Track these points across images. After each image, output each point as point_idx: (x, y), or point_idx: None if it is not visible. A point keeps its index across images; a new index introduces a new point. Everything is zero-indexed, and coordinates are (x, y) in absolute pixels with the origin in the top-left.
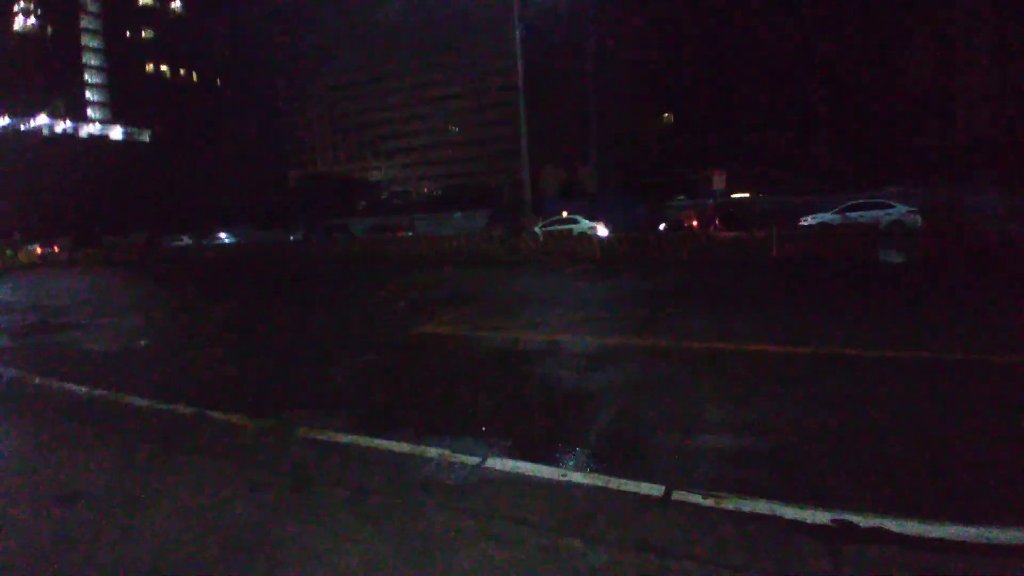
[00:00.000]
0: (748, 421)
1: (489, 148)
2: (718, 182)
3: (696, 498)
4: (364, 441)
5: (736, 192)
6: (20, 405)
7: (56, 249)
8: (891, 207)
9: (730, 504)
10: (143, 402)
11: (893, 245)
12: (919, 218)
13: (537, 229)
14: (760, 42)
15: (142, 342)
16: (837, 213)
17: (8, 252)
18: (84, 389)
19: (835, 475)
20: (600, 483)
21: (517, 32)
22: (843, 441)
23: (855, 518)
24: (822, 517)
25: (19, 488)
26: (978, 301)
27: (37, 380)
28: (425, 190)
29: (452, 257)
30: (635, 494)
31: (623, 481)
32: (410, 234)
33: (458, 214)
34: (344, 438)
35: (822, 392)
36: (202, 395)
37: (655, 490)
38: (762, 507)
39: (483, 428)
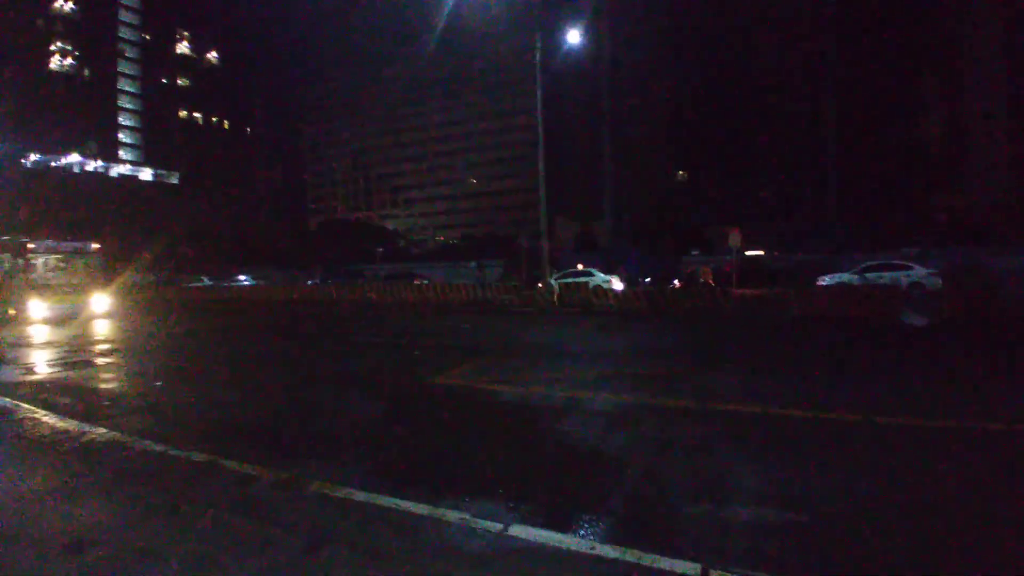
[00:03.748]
0: (781, 491)
1: (505, 199)
2: (734, 239)
3: None
4: (380, 500)
5: (750, 249)
6: (33, 446)
7: None
8: (910, 268)
9: None
10: (157, 447)
11: (915, 307)
12: (939, 280)
13: (552, 281)
14: (774, 101)
15: (158, 383)
16: (855, 273)
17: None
18: (99, 431)
19: (875, 553)
20: (632, 559)
21: (538, 91)
22: (881, 515)
23: None
24: None
25: (27, 534)
26: (1009, 365)
27: (51, 420)
28: (440, 239)
29: (467, 306)
30: (670, 572)
31: (656, 557)
32: (426, 282)
33: (473, 263)
34: (360, 495)
35: (855, 461)
36: (215, 440)
37: (691, 569)
38: None
39: (501, 491)
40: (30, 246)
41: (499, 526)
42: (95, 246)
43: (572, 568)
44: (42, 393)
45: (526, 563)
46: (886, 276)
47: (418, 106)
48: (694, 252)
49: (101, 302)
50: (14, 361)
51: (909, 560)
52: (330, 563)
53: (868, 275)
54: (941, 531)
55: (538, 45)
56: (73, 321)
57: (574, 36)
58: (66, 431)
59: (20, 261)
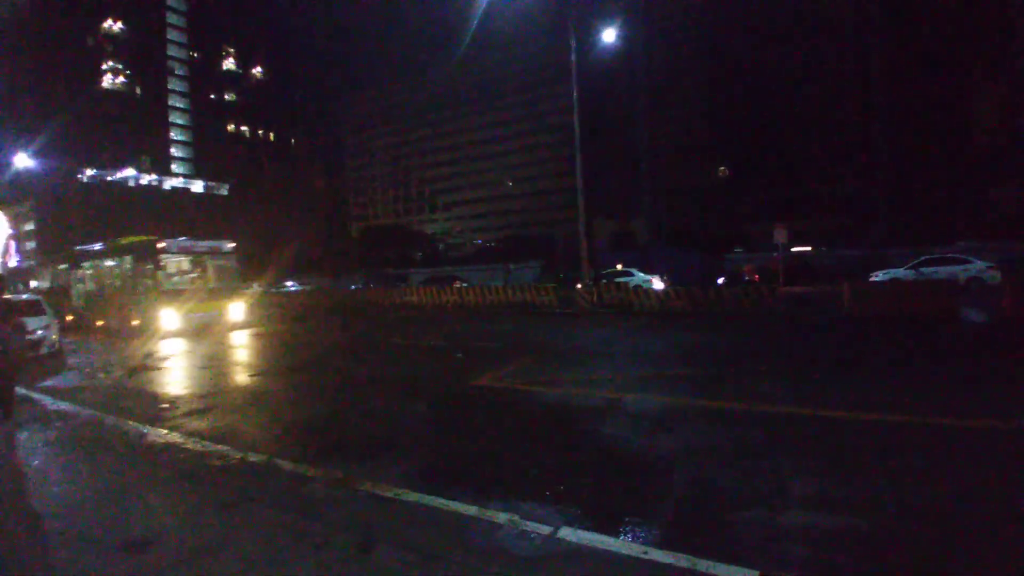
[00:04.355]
0: (837, 496)
1: (542, 200)
2: (779, 236)
3: None
4: (430, 500)
5: (796, 246)
6: (94, 446)
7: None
8: (968, 262)
9: None
10: (215, 447)
11: (974, 302)
12: (999, 274)
13: (591, 282)
14: (819, 94)
15: (208, 388)
16: (910, 268)
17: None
18: (158, 432)
19: (938, 559)
20: (686, 564)
21: (574, 91)
22: (942, 521)
23: None
24: None
25: (88, 532)
26: None
27: (110, 420)
28: (479, 241)
29: (506, 308)
30: None
31: (712, 563)
32: (465, 285)
33: (512, 265)
34: (410, 496)
35: (915, 465)
36: (268, 441)
37: (749, 575)
38: None
39: (548, 493)
40: (161, 245)
41: (548, 528)
42: (230, 244)
43: (624, 572)
44: (99, 394)
45: (577, 566)
46: (942, 271)
47: (454, 110)
48: (737, 250)
49: (238, 310)
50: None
51: (968, 566)
52: (383, 562)
53: (924, 270)
54: (1002, 537)
55: (573, 44)
56: (210, 333)
57: (609, 34)
58: (122, 429)
59: (148, 264)
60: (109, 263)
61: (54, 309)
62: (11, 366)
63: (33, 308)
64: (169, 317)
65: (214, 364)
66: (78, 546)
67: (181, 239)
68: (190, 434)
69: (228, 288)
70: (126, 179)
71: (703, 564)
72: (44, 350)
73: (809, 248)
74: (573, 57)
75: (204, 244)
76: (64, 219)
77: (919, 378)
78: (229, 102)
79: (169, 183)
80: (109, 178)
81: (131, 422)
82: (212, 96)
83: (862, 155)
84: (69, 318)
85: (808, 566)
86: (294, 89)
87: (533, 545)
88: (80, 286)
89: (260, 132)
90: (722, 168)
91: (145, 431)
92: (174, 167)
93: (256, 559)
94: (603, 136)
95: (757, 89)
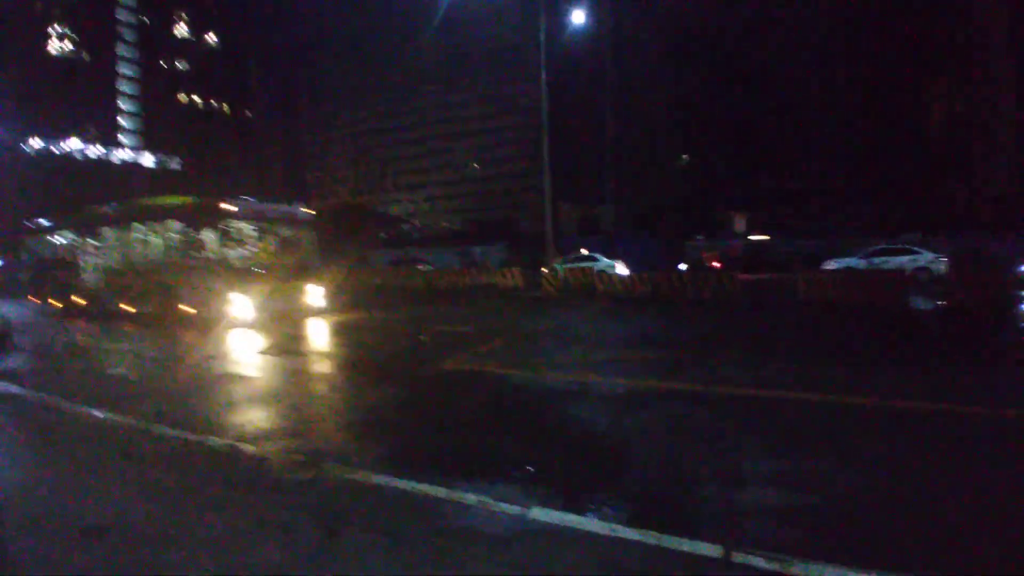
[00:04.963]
0: (797, 475)
1: (508, 183)
2: (739, 224)
3: (759, 561)
4: (398, 483)
5: (755, 234)
6: (46, 430)
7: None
8: (918, 253)
9: (796, 569)
10: (173, 432)
11: (921, 291)
12: (944, 265)
13: (558, 266)
14: (781, 84)
15: (166, 370)
16: (862, 258)
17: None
18: (111, 416)
19: (899, 537)
20: (652, 541)
21: (542, 73)
22: (901, 499)
23: None
24: None
25: (45, 519)
26: (1020, 349)
27: (63, 404)
28: (444, 224)
29: (472, 291)
30: (692, 554)
31: (677, 539)
32: (430, 267)
33: (477, 248)
34: (377, 479)
35: (870, 445)
36: (231, 425)
37: (713, 551)
38: (831, 573)
39: (517, 473)
40: (225, 206)
41: (518, 508)
42: (307, 211)
43: (594, 549)
44: (49, 377)
45: (548, 544)
46: (892, 261)
47: (419, 89)
48: (699, 237)
49: (316, 293)
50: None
51: (920, 541)
52: (351, 546)
53: (874, 260)
54: (950, 514)
55: (543, 25)
56: (289, 324)
57: (578, 16)
58: (76, 413)
59: (208, 232)
60: (143, 230)
61: (58, 288)
62: None
63: None
64: (239, 303)
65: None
66: (33, 532)
67: (249, 199)
68: (146, 418)
69: (305, 265)
70: (73, 152)
71: (669, 540)
72: None
73: (767, 237)
74: (542, 37)
75: (278, 208)
76: (10, 190)
77: (869, 362)
78: (181, 71)
79: (118, 155)
80: (56, 151)
81: (83, 406)
82: (163, 64)
83: (823, 148)
84: (78, 300)
85: (767, 541)
86: (249, 59)
87: (503, 525)
88: (94, 260)
89: (214, 103)
90: (683, 156)
91: (101, 416)
92: (122, 138)
93: (221, 544)
94: (570, 120)
95: (724, 78)
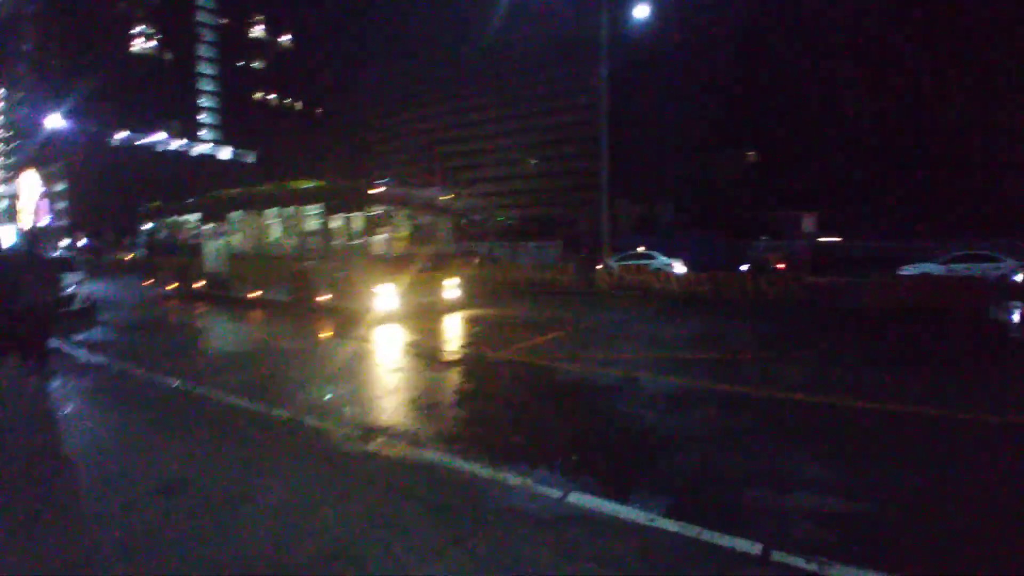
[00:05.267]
0: (844, 481)
1: (566, 180)
2: (808, 224)
3: (798, 561)
4: (447, 461)
5: (825, 235)
6: (133, 397)
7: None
8: (1000, 261)
9: (835, 571)
10: (244, 403)
11: (1005, 301)
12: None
13: (613, 263)
14: (858, 81)
15: (233, 347)
16: (942, 263)
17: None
18: (189, 385)
19: (946, 547)
20: (691, 533)
21: (602, 67)
22: (947, 510)
23: None
24: None
25: (129, 477)
26: None
27: (143, 373)
28: (501, 219)
29: (527, 286)
30: (731, 550)
31: (717, 534)
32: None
33: (533, 244)
34: (428, 455)
35: (926, 456)
36: (299, 402)
37: (752, 548)
38: None
39: (561, 461)
40: (375, 190)
41: (558, 492)
42: (447, 195)
43: (631, 537)
44: (131, 349)
45: (585, 528)
46: (973, 268)
47: (478, 86)
48: (763, 237)
49: (453, 285)
50: None
51: (969, 554)
52: (400, 513)
53: (955, 266)
54: (1002, 528)
55: (603, 20)
56: (429, 318)
57: (641, 11)
58: (156, 382)
59: (352, 217)
60: (275, 215)
61: (174, 271)
62: (44, 319)
63: (65, 265)
64: (384, 295)
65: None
66: (115, 489)
67: (392, 183)
68: (226, 390)
69: (443, 254)
70: (154, 144)
71: (708, 534)
72: (76, 305)
73: (838, 238)
74: (603, 32)
75: (420, 192)
76: (95, 181)
77: (940, 372)
78: (257, 70)
79: (197, 149)
80: (137, 142)
81: (159, 375)
82: (240, 63)
83: (898, 147)
84: (198, 284)
85: (810, 542)
86: (320, 59)
87: (543, 507)
88: (215, 245)
89: (286, 101)
90: (751, 152)
91: (178, 383)
92: (202, 134)
93: (284, 506)
94: (630, 116)
95: (791, 73)
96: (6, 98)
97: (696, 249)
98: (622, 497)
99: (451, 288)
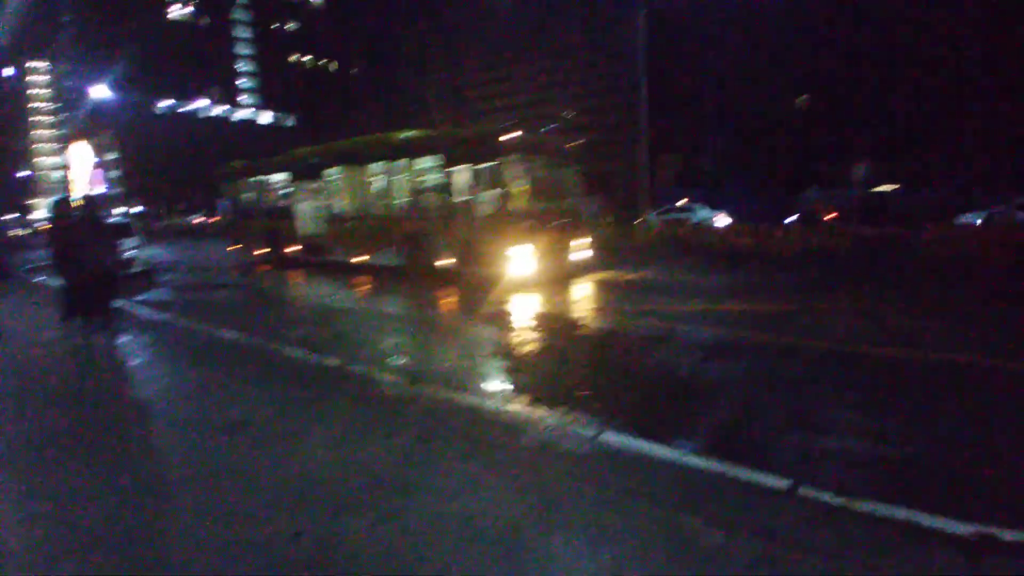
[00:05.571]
0: (879, 427)
1: (604, 134)
2: (859, 172)
3: (825, 496)
4: (484, 403)
5: (879, 185)
6: (192, 348)
7: (212, 220)
8: None
9: (862, 506)
10: (295, 352)
11: None
12: None
13: (653, 216)
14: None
15: (287, 306)
16: (1006, 210)
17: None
18: (244, 337)
19: (977, 489)
20: (719, 469)
21: (640, 14)
22: (982, 457)
23: (999, 532)
24: (963, 528)
25: (194, 418)
26: None
27: (202, 328)
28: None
29: None
30: (758, 484)
31: (745, 470)
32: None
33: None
34: (467, 399)
35: (965, 403)
36: (344, 351)
37: (780, 483)
38: (898, 513)
39: (596, 405)
40: (507, 138)
41: (592, 432)
42: (572, 142)
43: (660, 472)
44: (188, 307)
45: (617, 464)
46: None
47: (512, 38)
48: (813, 187)
49: (582, 246)
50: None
51: (1010, 496)
52: (441, 449)
53: (1021, 214)
54: None
55: None
56: (559, 284)
57: None
58: (214, 335)
59: (479, 171)
60: (381, 171)
61: (264, 236)
62: (109, 280)
63: (124, 230)
64: (520, 257)
65: None
66: (183, 428)
67: (517, 129)
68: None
69: (572, 210)
70: (197, 111)
71: (735, 471)
72: (136, 268)
73: (892, 187)
74: None
75: (547, 139)
76: (143, 149)
77: (986, 321)
78: (291, 31)
79: (239, 114)
80: (180, 110)
81: (223, 330)
82: (274, 25)
83: (956, 88)
84: (290, 248)
85: (838, 481)
86: (352, 18)
87: (576, 443)
88: (311, 206)
89: (320, 63)
90: (803, 96)
91: (234, 336)
92: (242, 99)
93: (335, 442)
94: (671, 64)
95: (843, 12)
96: (51, 71)
97: (742, 202)
98: (653, 437)
99: (581, 248)
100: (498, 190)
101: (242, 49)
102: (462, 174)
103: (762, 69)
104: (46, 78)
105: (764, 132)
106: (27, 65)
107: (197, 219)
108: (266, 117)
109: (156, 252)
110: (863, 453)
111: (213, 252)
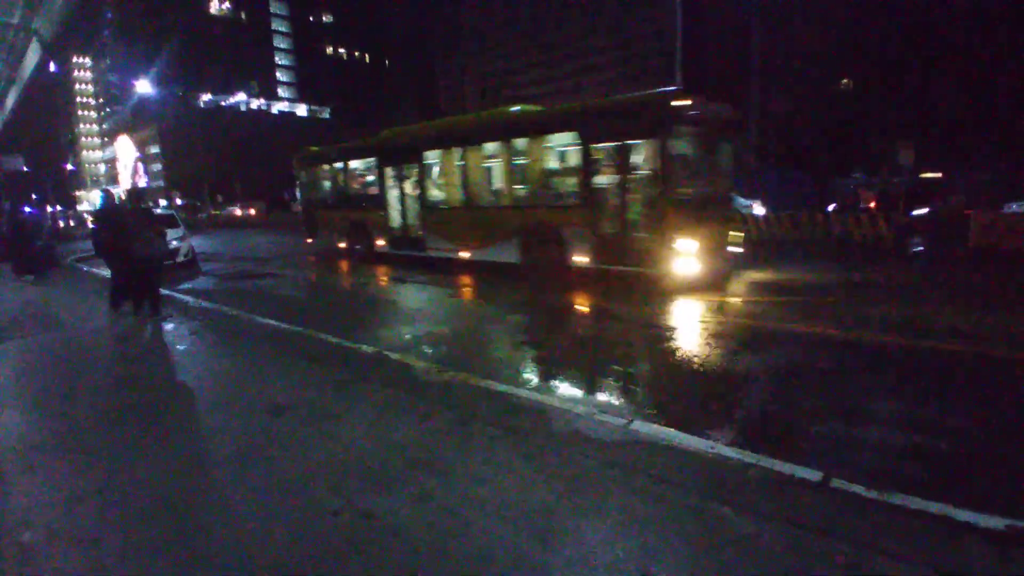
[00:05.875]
0: (917, 420)
1: None
2: (906, 158)
3: (858, 488)
4: (517, 391)
5: (927, 171)
6: (238, 336)
7: (252, 212)
8: None
9: (895, 499)
10: (333, 339)
11: None
12: None
13: None
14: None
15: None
16: None
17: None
18: (285, 326)
19: (1013, 483)
20: (750, 459)
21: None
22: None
23: None
24: (996, 522)
25: (238, 400)
26: None
27: (244, 315)
28: None
29: None
30: (790, 476)
31: (777, 461)
32: None
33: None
34: (499, 387)
35: (1008, 398)
36: (381, 342)
37: (812, 475)
38: (931, 506)
39: (627, 395)
40: (678, 103)
41: (622, 420)
42: (730, 112)
43: (691, 462)
44: (233, 296)
45: (648, 453)
46: None
47: (547, 23)
48: (856, 174)
49: (737, 238)
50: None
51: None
52: (475, 432)
53: None
54: None
55: None
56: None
57: None
58: (258, 323)
59: (639, 146)
60: (494, 152)
61: (346, 228)
62: (158, 269)
63: (169, 221)
64: (687, 254)
65: None
66: (228, 410)
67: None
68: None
69: (730, 196)
70: (237, 104)
71: (768, 462)
72: (180, 258)
73: (940, 174)
74: None
75: (724, 109)
76: (184, 142)
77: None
78: (326, 24)
79: (276, 107)
80: (222, 103)
81: (264, 318)
82: (311, 18)
83: (1009, 70)
84: (380, 242)
85: (872, 473)
86: (386, 9)
87: (607, 432)
88: (402, 194)
89: (356, 54)
90: (845, 80)
91: (276, 324)
92: (280, 91)
93: (374, 424)
94: (707, 46)
95: None
96: (94, 67)
97: (781, 189)
98: (685, 427)
99: (736, 242)
100: (658, 172)
101: (280, 42)
102: (606, 153)
103: (804, 46)
104: (90, 74)
105: (806, 116)
106: (73, 60)
107: (237, 211)
108: (302, 110)
109: (198, 242)
110: (894, 444)
111: (265, 244)
